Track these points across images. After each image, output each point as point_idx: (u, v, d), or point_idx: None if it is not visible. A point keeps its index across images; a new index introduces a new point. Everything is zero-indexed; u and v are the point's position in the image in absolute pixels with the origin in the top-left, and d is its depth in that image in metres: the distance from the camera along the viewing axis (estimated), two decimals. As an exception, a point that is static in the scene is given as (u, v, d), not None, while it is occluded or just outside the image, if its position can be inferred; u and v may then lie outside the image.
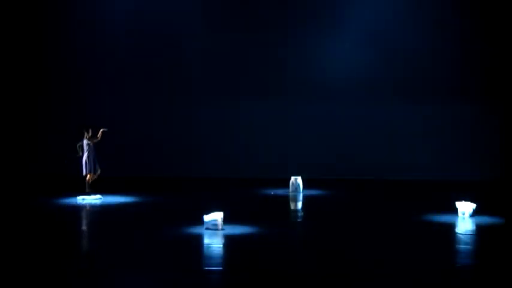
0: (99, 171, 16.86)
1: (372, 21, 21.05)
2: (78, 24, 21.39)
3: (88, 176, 16.82)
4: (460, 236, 12.10)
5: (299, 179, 17.62)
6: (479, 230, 12.69)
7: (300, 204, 16.25)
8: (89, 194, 16.24)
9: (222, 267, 9.76)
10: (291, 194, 17.37)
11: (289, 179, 17.77)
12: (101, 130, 16.93)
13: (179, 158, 21.18)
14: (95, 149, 16.89)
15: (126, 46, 21.33)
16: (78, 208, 14.95)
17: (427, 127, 21.31)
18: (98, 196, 15.99)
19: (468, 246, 11.28)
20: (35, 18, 21.32)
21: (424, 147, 21.22)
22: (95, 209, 14.93)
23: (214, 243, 11.15)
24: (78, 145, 16.88)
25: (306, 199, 16.68)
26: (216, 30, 21.48)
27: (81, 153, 16.77)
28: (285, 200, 16.55)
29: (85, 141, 16.79)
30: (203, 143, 21.28)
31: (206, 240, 11.32)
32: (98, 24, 21.36)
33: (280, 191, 17.63)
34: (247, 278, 9.03)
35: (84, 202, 15.50)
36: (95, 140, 16.88)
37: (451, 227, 12.92)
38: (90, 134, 16.87)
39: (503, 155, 21.02)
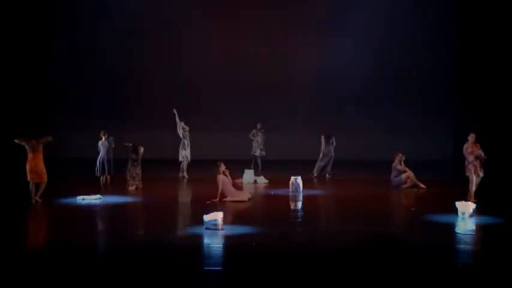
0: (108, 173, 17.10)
1: (372, 22, 21.08)
2: (81, 24, 21.45)
3: (102, 177, 17.02)
4: (460, 236, 12.08)
5: (299, 179, 17.59)
6: (479, 230, 12.68)
7: (300, 204, 16.22)
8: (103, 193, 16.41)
9: (222, 267, 9.75)
10: (291, 194, 17.35)
11: (289, 179, 17.76)
12: (126, 144, 17.11)
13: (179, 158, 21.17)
14: (112, 152, 17.04)
15: (126, 46, 21.35)
16: (78, 208, 14.93)
17: (428, 127, 21.31)
18: (98, 196, 15.97)
19: (468, 246, 11.27)
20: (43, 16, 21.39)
21: (425, 147, 21.22)
22: (94, 208, 14.91)
23: (214, 243, 11.15)
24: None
25: (306, 199, 16.65)
26: (216, 30, 21.50)
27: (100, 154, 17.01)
28: (285, 200, 16.52)
29: (101, 142, 16.96)
30: (203, 143, 21.27)
31: (206, 240, 11.31)
32: (98, 24, 21.40)
33: (280, 191, 17.61)
34: (247, 278, 9.03)
35: (84, 202, 15.47)
36: (113, 146, 17.11)
37: (451, 227, 12.90)
38: (106, 135, 17.02)
39: (503, 155, 21.02)
